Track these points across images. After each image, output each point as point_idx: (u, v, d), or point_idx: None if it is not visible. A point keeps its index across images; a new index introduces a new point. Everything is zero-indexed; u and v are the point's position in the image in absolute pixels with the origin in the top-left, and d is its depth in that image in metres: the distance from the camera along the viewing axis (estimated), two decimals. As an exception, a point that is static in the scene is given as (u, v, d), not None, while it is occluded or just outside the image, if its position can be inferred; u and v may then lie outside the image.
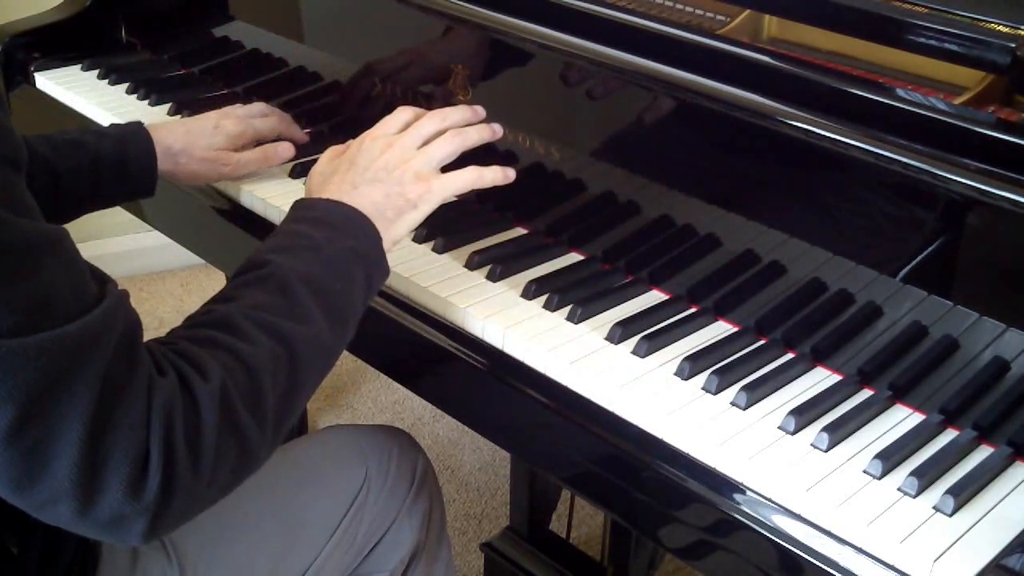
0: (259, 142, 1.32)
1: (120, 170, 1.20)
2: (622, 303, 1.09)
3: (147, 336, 0.80)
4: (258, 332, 0.84)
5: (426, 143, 1.05)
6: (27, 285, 0.70)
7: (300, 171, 1.32)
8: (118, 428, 0.72)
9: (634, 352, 1.01)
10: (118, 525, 0.74)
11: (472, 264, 1.14)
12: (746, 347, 1.03)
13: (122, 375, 0.73)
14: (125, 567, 0.99)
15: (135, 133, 1.23)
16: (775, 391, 0.97)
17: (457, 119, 1.08)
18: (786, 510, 0.86)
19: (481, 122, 1.10)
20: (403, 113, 1.08)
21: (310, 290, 0.89)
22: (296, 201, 1.01)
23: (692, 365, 0.98)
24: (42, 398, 0.69)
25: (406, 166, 1.03)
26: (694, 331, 1.05)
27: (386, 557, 1.16)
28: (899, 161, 0.90)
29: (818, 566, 0.83)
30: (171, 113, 1.49)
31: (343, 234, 0.95)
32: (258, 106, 1.36)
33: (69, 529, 0.75)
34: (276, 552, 1.07)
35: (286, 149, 1.30)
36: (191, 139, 1.26)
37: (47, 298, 0.71)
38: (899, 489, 0.86)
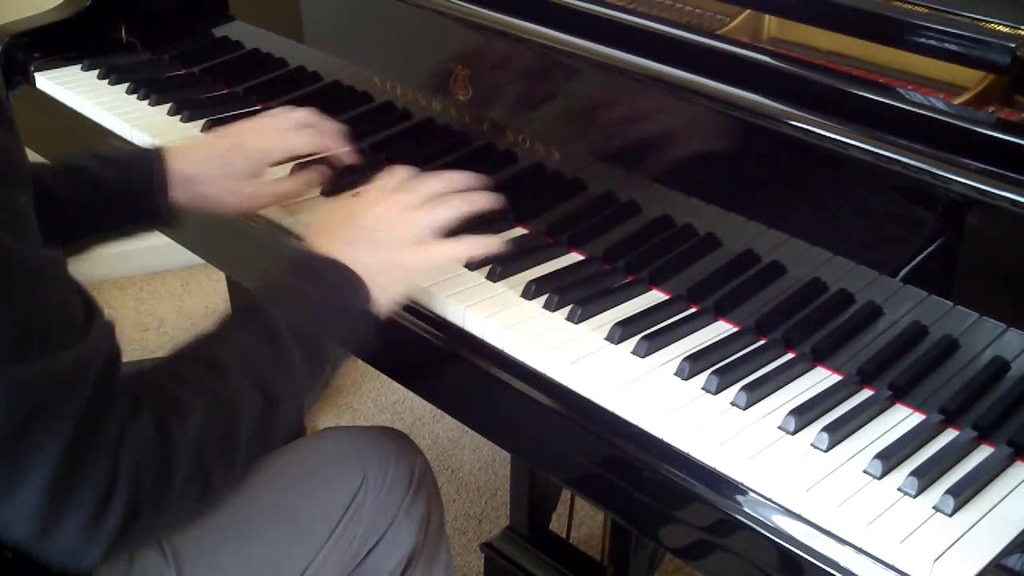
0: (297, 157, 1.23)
1: (124, 199, 1.11)
2: (622, 303, 1.09)
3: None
4: (243, 380, 0.84)
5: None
6: (18, 312, 0.70)
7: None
8: (87, 465, 0.72)
9: (634, 352, 1.01)
10: (71, 552, 0.74)
11: (472, 264, 1.14)
12: (746, 347, 1.03)
13: (97, 412, 0.72)
14: (121, 569, 0.99)
15: (144, 157, 1.13)
16: (775, 391, 0.97)
17: (461, 182, 1.06)
18: (786, 510, 0.86)
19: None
20: (400, 171, 1.06)
21: (297, 343, 0.89)
22: (295, 253, 1.00)
23: (692, 365, 0.98)
24: (15, 431, 0.69)
25: (406, 229, 1.01)
26: (694, 331, 1.05)
27: (384, 559, 1.16)
28: (899, 161, 0.90)
29: (818, 566, 0.83)
30: (171, 113, 1.48)
31: (336, 294, 0.95)
32: (297, 114, 1.21)
33: (21, 549, 0.75)
34: (273, 553, 1.07)
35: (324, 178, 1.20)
36: (212, 164, 1.14)
37: (36, 327, 0.71)
38: (899, 489, 0.86)
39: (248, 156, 1.15)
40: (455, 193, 1.06)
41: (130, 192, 1.11)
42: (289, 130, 1.19)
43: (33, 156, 1.15)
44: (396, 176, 1.06)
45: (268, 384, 0.85)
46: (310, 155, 1.24)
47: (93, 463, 0.72)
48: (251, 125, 1.19)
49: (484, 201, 1.07)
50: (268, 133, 1.18)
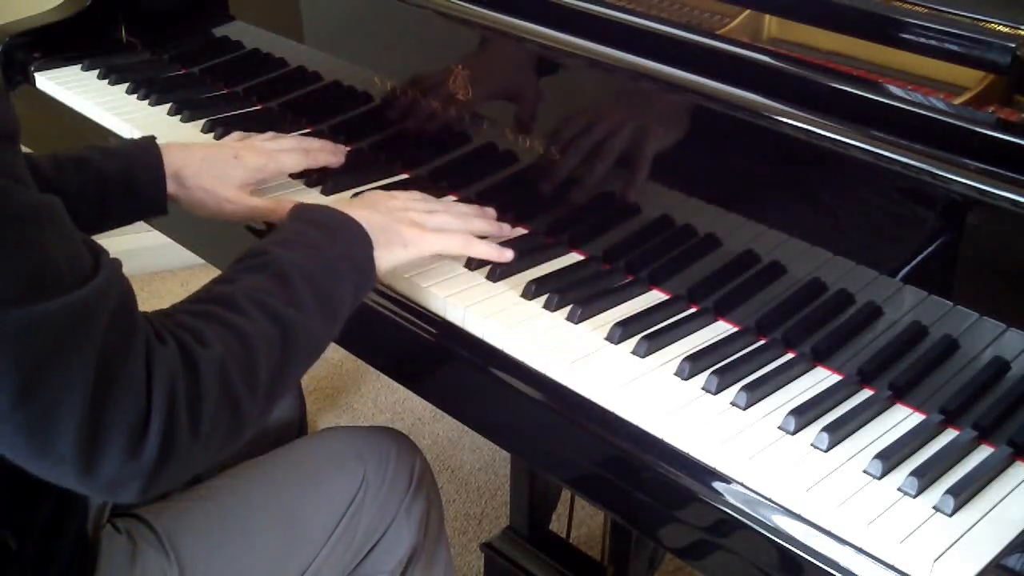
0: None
1: (126, 190, 1.15)
2: (622, 303, 1.09)
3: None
4: (255, 310, 0.87)
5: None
6: (31, 254, 0.72)
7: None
8: (118, 395, 0.74)
9: (634, 352, 1.01)
10: (115, 485, 0.76)
11: (472, 264, 1.14)
12: (746, 347, 1.03)
13: (120, 343, 0.75)
14: (123, 566, 0.99)
15: (144, 151, 1.18)
16: (775, 391, 0.97)
17: (465, 211, 1.16)
18: (786, 510, 0.86)
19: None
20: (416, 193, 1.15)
21: (305, 282, 0.92)
22: (297, 204, 1.04)
23: (692, 365, 0.98)
24: (45, 367, 0.71)
25: (407, 214, 1.08)
26: (694, 331, 1.05)
27: (384, 558, 1.16)
28: (899, 161, 0.90)
29: (818, 566, 0.83)
30: (171, 113, 1.49)
31: (339, 240, 0.99)
32: (289, 140, 1.30)
33: (71, 489, 0.77)
34: (274, 552, 1.07)
35: None
36: (206, 167, 1.19)
37: (49, 268, 0.73)
38: (899, 489, 0.86)
39: (240, 167, 1.21)
40: (459, 212, 1.15)
41: (132, 186, 1.16)
42: (281, 151, 1.26)
43: (33, 156, 1.16)
44: (413, 192, 1.15)
45: (280, 315, 0.88)
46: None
47: (124, 393, 0.74)
48: (249, 142, 1.26)
49: (485, 226, 1.15)
50: (260, 153, 1.24)
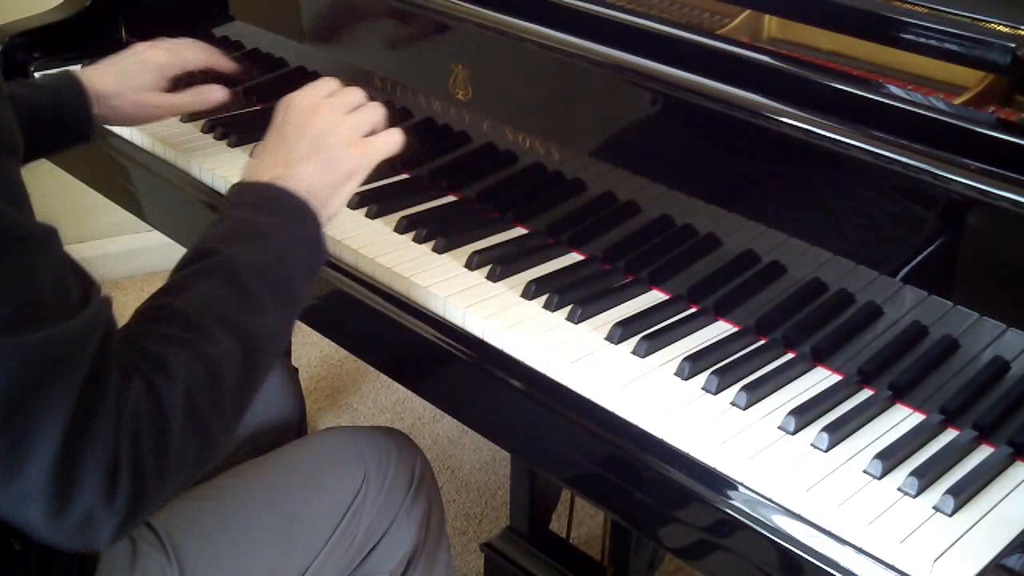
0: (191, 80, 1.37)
1: (56, 120, 1.22)
2: (622, 303, 1.09)
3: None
4: (216, 327, 0.84)
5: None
6: (18, 281, 0.70)
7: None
8: (93, 437, 0.72)
9: (634, 352, 1.01)
10: (87, 529, 0.74)
11: (472, 264, 1.14)
12: (746, 347, 1.03)
13: (98, 383, 0.73)
14: (124, 566, 0.99)
15: (69, 82, 1.26)
16: (775, 391, 0.97)
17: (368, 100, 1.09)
18: (786, 510, 0.86)
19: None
20: (328, 82, 1.08)
21: (259, 279, 0.89)
22: (235, 185, 1.01)
23: (692, 365, 0.98)
24: (21, 401, 0.69)
25: (337, 133, 1.03)
26: (694, 331, 1.05)
27: (385, 558, 1.16)
28: (899, 161, 0.90)
29: (818, 566, 0.83)
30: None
31: (285, 219, 0.96)
32: (183, 40, 1.38)
33: (34, 534, 0.75)
34: (275, 552, 1.07)
35: (220, 92, 1.34)
36: (123, 80, 1.28)
37: (36, 296, 0.71)
38: (899, 489, 0.86)
39: (149, 69, 1.31)
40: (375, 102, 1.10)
41: (62, 116, 1.24)
42: (182, 46, 1.36)
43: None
44: (318, 87, 1.08)
45: (240, 327, 0.86)
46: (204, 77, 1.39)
47: (97, 433, 0.72)
48: (146, 44, 1.35)
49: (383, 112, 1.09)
50: (165, 50, 1.34)
